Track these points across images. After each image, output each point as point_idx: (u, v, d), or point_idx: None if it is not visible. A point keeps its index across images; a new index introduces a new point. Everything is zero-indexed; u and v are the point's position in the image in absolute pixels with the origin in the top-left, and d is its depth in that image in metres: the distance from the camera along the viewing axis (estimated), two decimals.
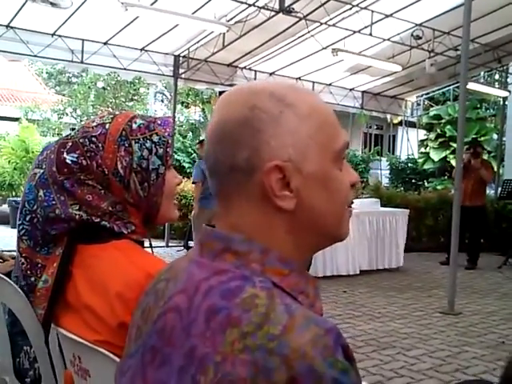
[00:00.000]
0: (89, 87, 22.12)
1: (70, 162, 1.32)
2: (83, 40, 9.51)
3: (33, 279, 1.36)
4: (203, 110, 23.27)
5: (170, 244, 10.61)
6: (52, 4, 6.47)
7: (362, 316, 5.98)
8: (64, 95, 23.37)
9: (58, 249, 1.35)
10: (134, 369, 0.87)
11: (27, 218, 1.36)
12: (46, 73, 25.83)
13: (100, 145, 1.32)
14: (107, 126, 1.34)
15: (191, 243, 9.85)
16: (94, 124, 1.36)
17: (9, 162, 15.34)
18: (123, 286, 1.24)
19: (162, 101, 26.94)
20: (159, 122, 1.39)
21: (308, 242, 0.89)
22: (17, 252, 1.39)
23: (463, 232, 7.75)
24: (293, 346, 0.69)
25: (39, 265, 1.36)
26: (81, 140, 1.33)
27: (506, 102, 13.79)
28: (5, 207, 13.51)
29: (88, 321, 1.26)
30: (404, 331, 5.45)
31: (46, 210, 1.33)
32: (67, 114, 21.43)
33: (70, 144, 1.34)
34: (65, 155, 1.33)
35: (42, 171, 1.35)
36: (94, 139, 1.33)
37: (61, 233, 1.34)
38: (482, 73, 16.60)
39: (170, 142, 1.37)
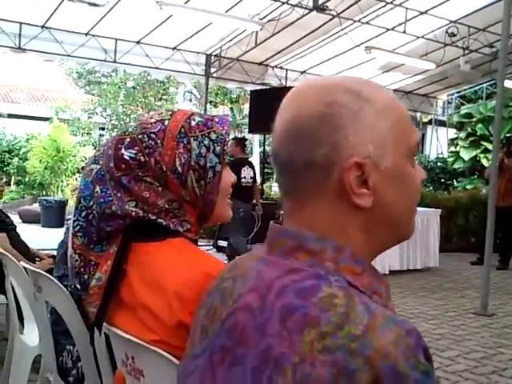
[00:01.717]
0: (119, 87, 22.30)
1: (128, 158, 1.31)
2: (116, 39, 9.61)
3: (86, 277, 1.35)
4: (231, 109, 23.32)
5: (198, 244, 10.61)
6: (89, 3, 6.51)
7: None
8: (93, 95, 23.58)
9: (112, 246, 1.33)
10: (202, 369, 0.85)
11: (83, 214, 1.35)
12: (76, 72, 26.10)
13: (159, 141, 1.31)
14: (166, 123, 1.34)
15: (221, 242, 9.87)
16: (153, 120, 1.35)
17: (40, 161, 15.44)
18: (181, 285, 1.22)
19: (191, 100, 27.04)
20: (217, 120, 1.37)
21: (380, 240, 0.88)
22: (70, 249, 1.38)
23: (495, 232, 7.62)
24: (375, 346, 0.68)
25: (92, 262, 1.35)
26: (139, 136, 1.32)
27: None
28: (36, 206, 13.62)
29: (144, 320, 1.24)
30: (437, 332, 5.39)
31: (102, 206, 1.32)
32: (97, 114, 21.62)
33: (128, 140, 1.33)
34: (123, 151, 1.32)
35: (98, 167, 1.34)
36: (152, 135, 1.32)
37: (116, 230, 1.33)
38: None
39: (227, 139, 1.36)
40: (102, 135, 22.18)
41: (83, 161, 15.39)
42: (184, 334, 1.10)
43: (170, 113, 1.37)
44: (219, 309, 0.87)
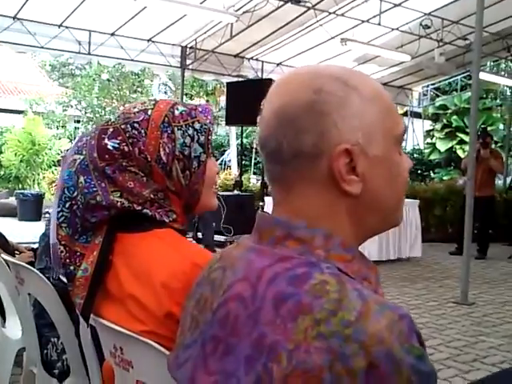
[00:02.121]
0: (93, 79, 22.07)
1: (111, 148, 1.29)
2: (90, 31, 9.51)
3: (72, 268, 1.33)
4: (207, 101, 23.24)
5: None
6: None
7: None
8: (68, 87, 23.32)
9: (98, 237, 1.32)
10: (194, 359, 0.85)
11: (67, 205, 1.32)
12: (50, 65, 25.78)
13: (142, 131, 1.30)
14: (149, 112, 1.32)
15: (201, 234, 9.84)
16: (136, 110, 1.33)
17: (15, 154, 15.35)
18: (168, 276, 1.21)
19: (166, 92, 26.90)
20: (200, 110, 1.36)
21: (368, 227, 0.89)
22: (55, 240, 1.35)
23: (472, 222, 7.72)
24: (370, 331, 0.69)
25: (78, 253, 1.33)
26: (122, 126, 1.30)
27: None
28: (12, 200, 13.48)
29: (132, 311, 1.23)
30: (419, 321, 5.43)
31: (86, 197, 1.30)
32: (72, 107, 21.39)
33: (112, 130, 1.31)
34: (106, 141, 1.30)
35: (82, 157, 1.32)
36: (136, 125, 1.30)
37: (100, 220, 1.31)
38: (488, 62, 16.53)
39: (211, 129, 1.35)
40: (78, 128, 22.00)
41: (59, 154, 15.31)
42: (173, 325, 1.10)
43: (152, 102, 1.36)
44: (210, 299, 0.87)
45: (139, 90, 23.73)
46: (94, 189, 1.30)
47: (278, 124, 0.84)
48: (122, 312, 1.25)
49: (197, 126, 1.34)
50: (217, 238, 9.46)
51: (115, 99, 21.91)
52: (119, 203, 1.29)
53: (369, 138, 0.82)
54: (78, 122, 21.98)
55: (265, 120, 0.86)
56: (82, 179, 1.31)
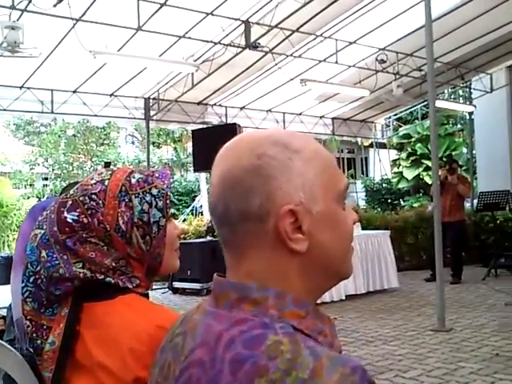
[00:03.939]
0: (59, 136, 22.03)
1: (71, 221, 1.32)
2: (52, 90, 9.55)
3: (39, 342, 1.33)
4: (175, 148, 23.31)
5: (153, 287, 10.50)
6: (23, 56, 6.50)
7: (355, 342, 5.97)
8: (34, 145, 23.20)
9: (64, 309, 1.33)
10: None
11: (31, 280, 1.35)
12: (14, 124, 25.65)
13: (100, 202, 1.33)
14: (106, 183, 1.35)
15: (176, 284, 9.78)
16: (93, 181, 1.36)
17: None
18: (134, 340, 1.23)
19: (133, 143, 26.91)
20: (157, 175, 1.40)
21: (319, 282, 0.91)
22: (19, 315, 1.37)
23: (444, 247, 7.83)
24: None
25: (44, 326, 1.34)
26: (81, 198, 1.34)
27: (473, 117, 14.10)
28: None
29: (102, 379, 1.24)
30: (399, 353, 5.45)
31: (49, 270, 1.32)
32: (39, 164, 21.27)
33: (70, 203, 1.34)
34: (65, 214, 1.32)
35: (43, 232, 1.35)
36: (94, 196, 1.33)
37: (65, 292, 1.33)
38: (447, 90, 16.95)
39: (169, 194, 1.38)
40: (46, 185, 21.79)
41: None
42: None
43: (109, 172, 1.39)
44: (172, 365, 0.89)
45: (106, 142, 23.74)
46: (57, 261, 1.32)
47: (224, 188, 0.87)
48: (92, 382, 1.26)
49: (154, 191, 1.37)
50: (193, 285, 9.44)
51: (82, 154, 21.88)
52: (82, 274, 1.32)
53: (311, 196, 0.85)
54: (46, 179, 21.84)
55: (213, 185, 0.90)
56: (44, 253, 1.33)
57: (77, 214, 1.33)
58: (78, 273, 1.31)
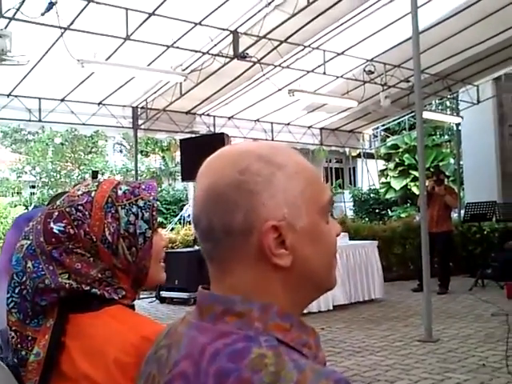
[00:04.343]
0: (46, 144, 21.95)
1: (57, 232, 1.32)
2: (40, 98, 9.52)
3: (24, 353, 1.33)
4: (163, 157, 23.29)
5: (140, 296, 10.44)
6: (11, 64, 6.48)
7: (343, 352, 5.97)
8: (21, 153, 23.10)
9: (49, 320, 1.33)
10: None
11: (16, 291, 1.34)
12: (1, 132, 25.53)
13: (87, 213, 1.33)
14: (93, 194, 1.35)
15: (163, 293, 9.75)
16: (80, 192, 1.37)
17: None
18: (120, 352, 1.23)
19: (121, 151, 26.86)
20: (144, 187, 1.40)
21: (303, 295, 0.91)
22: (6, 326, 1.36)
23: (431, 258, 7.87)
24: None
25: (29, 337, 1.33)
26: (67, 209, 1.34)
27: (460, 128, 14.21)
28: None
29: None
30: (386, 363, 5.46)
31: (35, 281, 1.32)
32: (26, 173, 21.18)
33: (57, 214, 1.34)
34: (52, 225, 1.32)
35: (29, 242, 1.35)
36: (80, 207, 1.33)
37: (51, 303, 1.32)
38: (434, 101, 17.10)
39: (155, 205, 1.39)
40: (33, 193, 21.68)
41: None
42: None
43: (96, 184, 1.39)
44: (157, 377, 0.89)
45: (94, 150, 23.68)
46: (42, 272, 1.32)
47: (208, 203, 0.87)
48: None
49: (140, 203, 1.37)
50: (180, 295, 9.41)
51: (70, 162, 21.80)
52: (67, 285, 1.31)
53: (294, 211, 0.85)
54: (34, 187, 21.74)
55: (197, 199, 0.89)
56: (29, 264, 1.33)
57: (63, 224, 1.33)
58: (63, 284, 1.31)
